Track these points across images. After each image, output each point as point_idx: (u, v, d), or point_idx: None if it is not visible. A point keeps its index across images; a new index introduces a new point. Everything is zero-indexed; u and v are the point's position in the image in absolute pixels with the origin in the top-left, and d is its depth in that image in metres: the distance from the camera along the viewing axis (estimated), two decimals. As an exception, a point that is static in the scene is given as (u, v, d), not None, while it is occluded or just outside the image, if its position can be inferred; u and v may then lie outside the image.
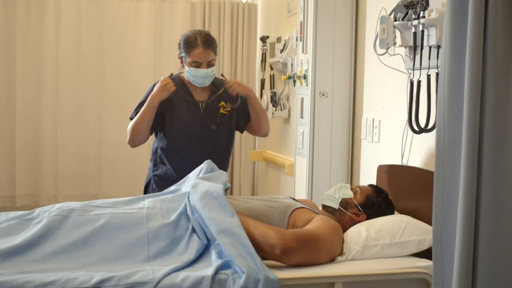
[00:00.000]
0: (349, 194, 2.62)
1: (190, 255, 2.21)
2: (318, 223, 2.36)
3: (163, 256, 2.21)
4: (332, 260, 2.33)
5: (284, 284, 2.06)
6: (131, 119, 3.19)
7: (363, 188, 2.68)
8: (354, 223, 2.57)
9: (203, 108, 3.19)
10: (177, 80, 3.22)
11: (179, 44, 3.16)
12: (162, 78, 3.09)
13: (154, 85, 3.18)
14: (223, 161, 3.21)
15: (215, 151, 3.18)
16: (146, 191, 3.27)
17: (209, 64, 3.10)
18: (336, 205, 2.60)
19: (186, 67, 3.12)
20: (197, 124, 3.16)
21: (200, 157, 2.91)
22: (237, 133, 5.38)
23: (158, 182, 3.19)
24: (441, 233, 1.88)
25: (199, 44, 3.07)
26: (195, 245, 2.25)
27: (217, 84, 3.26)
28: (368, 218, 2.58)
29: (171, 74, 3.11)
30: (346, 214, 2.58)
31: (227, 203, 2.31)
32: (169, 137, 3.17)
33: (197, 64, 3.08)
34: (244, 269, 2.02)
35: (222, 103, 3.23)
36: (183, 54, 3.13)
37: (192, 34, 3.14)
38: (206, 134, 3.16)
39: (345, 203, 2.60)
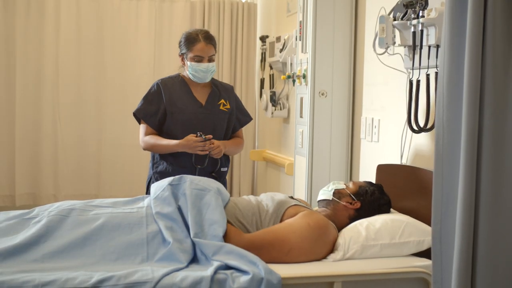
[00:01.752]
0: (341, 186, 2.66)
1: (190, 255, 2.22)
2: (296, 221, 2.37)
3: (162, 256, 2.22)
4: (318, 257, 2.35)
5: (283, 283, 2.06)
6: (135, 115, 3.26)
7: (356, 181, 2.72)
8: (350, 213, 2.58)
9: (203, 104, 3.24)
10: (178, 79, 3.28)
11: (180, 42, 3.26)
12: (195, 136, 3.10)
13: (156, 83, 3.25)
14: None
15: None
16: (147, 190, 3.31)
17: (210, 59, 3.19)
18: (329, 197, 2.62)
19: (188, 63, 3.18)
20: (198, 117, 3.21)
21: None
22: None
23: (159, 179, 3.19)
24: (440, 232, 1.88)
25: (200, 39, 3.18)
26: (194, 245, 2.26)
27: (216, 84, 3.33)
28: (363, 206, 2.59)
29: (201, 135, 3.11)
30: (340, 204, 2.59)
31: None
32: (170, 131, 3.21)
33: (199, 59, 3.16)
34: (250, 273, 2.04)
35: (222, 100, 3.29)
36: (184, 51, 3.21)
37: (193, 31, 3.26)
38: (206, 128, 3.19)
39: (338, 193, 2.63)
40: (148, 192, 3.28)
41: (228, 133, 3.32)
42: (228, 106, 3.30)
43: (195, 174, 3.04)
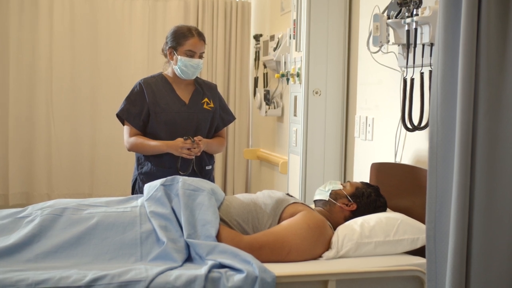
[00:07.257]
0: (338, 186, 2.65)
1: (184, 255, 2.21)
2: (295, 221, 2.36)
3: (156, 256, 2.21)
4: (315, 257, 2.35)
5: (277, 282, 2.06)
6: (118, 116, 3.22)
7: (353, 182, 2.71)
8: (345, 214, 2.58)
9: (187, 103, 3.22)
10: (161, 78, 3.27)
11: (168, 37, 3.23)
12: (183, 139, 3.10)
13: (138, 83, 3.23)
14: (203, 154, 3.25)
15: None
16: (133, 191, 3.31)
17: (200, 56, 3.19)
18: (326, 197, 2.62)
19: (178, 57, 3.15)
20: (182, 116, 3.19)
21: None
22: (230, 132, 5.48)
23: (144, 180, 3.18)
24: (435, 230, 1.88)
25: (194, 35, 3.17)
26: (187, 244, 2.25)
27: (200, 82, 3.31)
28: (359, 208, 2.59)
29: (188, 138, 3.11)
30: (336, 205, 2.59)
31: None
32: (154, 131, 3.18)
33: (191, 53, 3.15)
34: (244, 271, 2.03)
35: (206, 99, 3.27)
36: (174, 44, 3.18)
37: (184, 26, 3.24)
38: (190, 127, 3.19)
39: (334, 194, 2.63)
40: (133, 192, 3.29)
41: (211, 132, 3.30)
42: (212, 105, 3.27)
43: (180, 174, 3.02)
